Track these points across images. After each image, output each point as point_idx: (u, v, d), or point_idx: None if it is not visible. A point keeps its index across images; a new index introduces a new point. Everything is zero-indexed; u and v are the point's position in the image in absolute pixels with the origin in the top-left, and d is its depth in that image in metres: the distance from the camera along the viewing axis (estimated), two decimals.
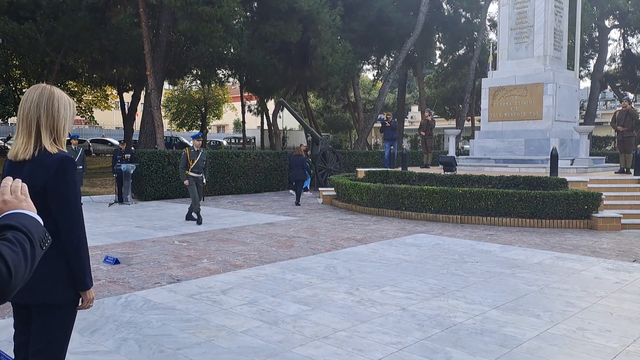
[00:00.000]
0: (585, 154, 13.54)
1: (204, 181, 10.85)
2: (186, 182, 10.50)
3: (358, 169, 15.77)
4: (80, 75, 29.06)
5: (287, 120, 53.67)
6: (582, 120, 35.77)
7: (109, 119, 60.57)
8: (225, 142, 50.64)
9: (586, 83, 43.54)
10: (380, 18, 25.95)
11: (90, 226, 9.84)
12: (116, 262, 6.60)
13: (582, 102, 42.61)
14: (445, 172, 12.81)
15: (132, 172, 13.71)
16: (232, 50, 26.67)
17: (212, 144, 48.60)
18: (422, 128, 16.75)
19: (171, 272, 6.24)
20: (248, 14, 20.77)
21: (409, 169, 15.93)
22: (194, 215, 10.57)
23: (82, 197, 14.22)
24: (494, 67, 16.89)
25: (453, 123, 40.73)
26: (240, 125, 69.74)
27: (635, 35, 37.32)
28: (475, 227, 10.02)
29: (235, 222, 10.42)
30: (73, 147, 13.63)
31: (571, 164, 13.44)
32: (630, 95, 47.28)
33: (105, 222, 10.49)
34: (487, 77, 16.18)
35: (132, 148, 19.16)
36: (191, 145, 11.04)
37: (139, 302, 5.09)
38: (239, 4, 16.80)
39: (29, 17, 21.70)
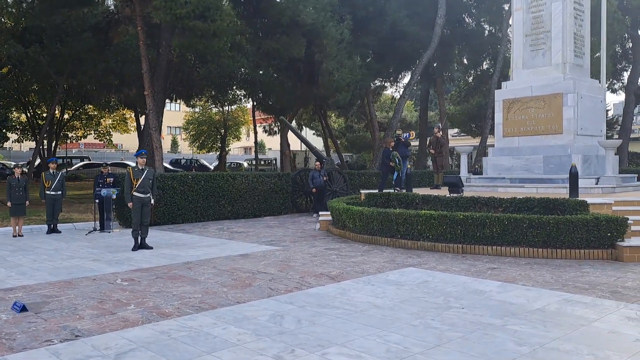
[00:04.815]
0: (612, 172, 11.98)
1: (152, 202, 9.98)
2: (130, 204, 9.68)
3: (361, 191, 14.51)
4: (92, 97, 28.71)
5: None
6: (617, 136, 33.70)
7: (133, 142, 60.87)
8: (246, 164, 49.87)
9: (621, 97, 41.29)
10: (394, 32, 24.83)
11: (44, 259, 8.89)
12: (23, 309, 5.54)
13: (617, 117, 40.31)
14: (451, 194, 11.45)
15: (113, 197, 12.79)
16: (242, 70, 25.98)
17: (232, 165, 47.92)
18: (431, 145, 15.42)
19: (77, 324, 5.13)
20: (250, 29, 19.91)
21: (420, 190, 14.63)
22: (134, 238, 9.93)
23: (64, 223, 13.48)
24: None
25: (479, 141, 39.02)
26: (264, 147, 69.52)
27: None
28: (477, 259, 8.64)
29: (206, 254, 9.29)
30: (52, 171, 12.86)
31: (596, 183, 11.89)
32: None
33: (66, 253, 9.51)
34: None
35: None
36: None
37: None
38: (233, 18, 15.94)
39: (35, 41, 21.46)
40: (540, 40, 13.58)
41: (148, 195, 9.88)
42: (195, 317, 5.38)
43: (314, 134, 51.00)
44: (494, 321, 5.20)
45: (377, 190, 13.88)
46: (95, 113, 37.91)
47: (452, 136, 51.68)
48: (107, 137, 40.19)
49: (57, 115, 32.59)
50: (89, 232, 12.51)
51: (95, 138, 41.02)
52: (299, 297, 6.20)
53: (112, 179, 13.27)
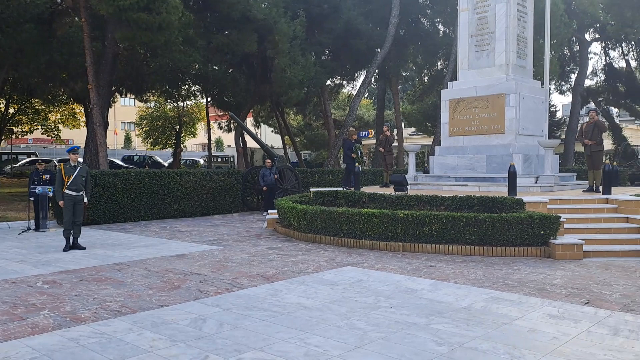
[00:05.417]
0: (551, 171, 12.26)
1: (85, 200, 9.60)
2: (61, 203, 9.28)
3: (311, 189, 14.40)
4: (37, 91, 27.53)
5: (264, 138, 52.34)
6: (564, 136, 34.76)
7: (84, 137, 59.03)
8: (202, 161, 49.07)
9: (569, 98, 42.55)
10: (349, 30, 24.79)
11: None
12: None
13: (565, 117, 41.59)
14: (396, 192, 11.47)
15: (50, 195, 12.27)
16: (195, 65, 25.43)
17: (188, 162, 47.05)
18: (380, 144, 15.46)
19: None
20: (201, 23, 19.49)
21: (370, 188, 14.65)
22: (65, 238, 9.51)
23: None
24: None
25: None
26: (222, 144, 68.59)
27: (616, 49, 36.38)
28: (416, 257, 8.65)
29: (140, 255, 8.99)
30: None
31: (535, 182, 12.15)
32: (614, 110, 46.34)
33: None
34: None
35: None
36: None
37: None
38: (183, 11, 15.52)
39: None
40: (485, 41, 13.78)
41: (81, 193, 9.49)
42: (111, 322, 5.14)
43: (272, 131, 50.65)
44: (418, 320, 5.17)
45: (325, 189, 13.80)
46: (43, 107, 36.49)
47: (410, 135, 52.32)
48: (55, 132, 38.73)
49: (2, 109, 31.24)
50: (22, 232, 11.96)
51: (42, 133, 39.47)
52: (227, 299, 6.03)
53: (48, 176, 12.72)
